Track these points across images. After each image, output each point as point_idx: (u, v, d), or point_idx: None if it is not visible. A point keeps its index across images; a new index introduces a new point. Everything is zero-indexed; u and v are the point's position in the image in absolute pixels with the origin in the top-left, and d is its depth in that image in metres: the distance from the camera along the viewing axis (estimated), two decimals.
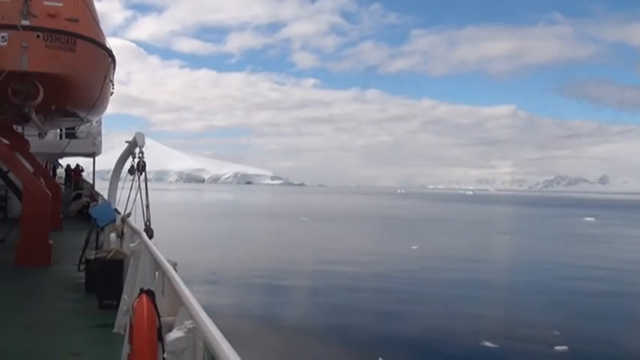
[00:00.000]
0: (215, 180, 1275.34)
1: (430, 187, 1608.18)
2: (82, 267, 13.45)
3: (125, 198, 13.73)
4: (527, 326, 20.58)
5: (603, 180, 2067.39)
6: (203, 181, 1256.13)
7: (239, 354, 3.01)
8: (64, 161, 50.02)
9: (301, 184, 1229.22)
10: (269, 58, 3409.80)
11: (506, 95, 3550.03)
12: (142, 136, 13.30)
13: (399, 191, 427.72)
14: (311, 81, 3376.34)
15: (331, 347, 17.43)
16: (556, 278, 31.48)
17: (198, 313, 3.87)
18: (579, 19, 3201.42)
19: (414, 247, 42.34)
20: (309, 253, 40.14)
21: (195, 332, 4.07)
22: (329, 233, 57.76)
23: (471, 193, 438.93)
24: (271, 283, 27.47)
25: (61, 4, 17.42)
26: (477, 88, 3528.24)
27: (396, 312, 22.24)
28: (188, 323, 4.14)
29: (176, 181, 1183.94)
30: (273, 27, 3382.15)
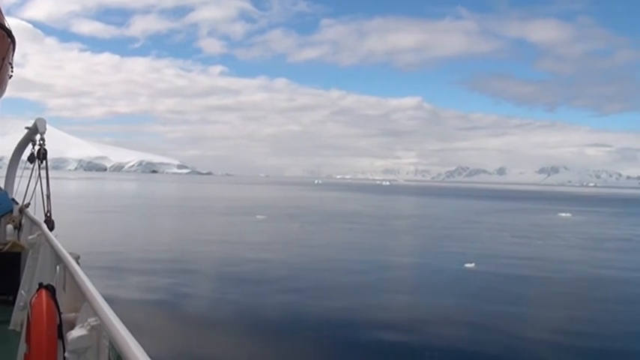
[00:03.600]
0: (118, 168, 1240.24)
1: (338, 177, 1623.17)
2: None
3: (23, 188, 13.16)
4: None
5: (501, 171, 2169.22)
6: (105, 169, 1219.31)
7: (147, 352, 2.93)
8: None
9: (209, 173, 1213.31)
10: (175, 43, 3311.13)
11: (413, 87, 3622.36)
12: (44, 122, 12.73)
13: (316, 182, 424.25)
14: (218, 68, 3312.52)
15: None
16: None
17: (103, 309, 3.73)
18: (483, 14, 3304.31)
19: (468, 266, 30.05)
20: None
21: (100, 330, 3.93)
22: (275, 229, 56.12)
23: (388, 183, 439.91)
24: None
25: None
26: (384, 80, 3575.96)
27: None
28: (92, 320, 4.00)
29: (75, 169, 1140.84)
30: (180, 11, 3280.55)
